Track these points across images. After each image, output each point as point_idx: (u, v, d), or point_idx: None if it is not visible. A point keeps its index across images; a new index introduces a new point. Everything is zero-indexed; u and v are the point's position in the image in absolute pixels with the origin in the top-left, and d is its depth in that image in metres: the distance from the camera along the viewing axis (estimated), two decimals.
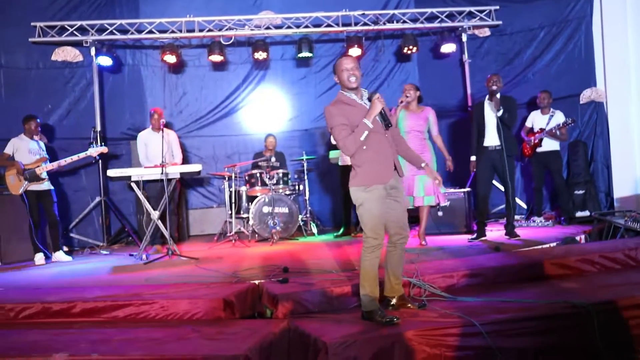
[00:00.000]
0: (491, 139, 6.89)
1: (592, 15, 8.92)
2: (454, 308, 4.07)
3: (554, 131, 8.00)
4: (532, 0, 9.44)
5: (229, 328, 4.01)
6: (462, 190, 7.90)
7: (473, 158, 7.13)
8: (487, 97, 6.91)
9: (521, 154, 8.52)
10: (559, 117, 8.13)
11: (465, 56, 9.74)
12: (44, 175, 7.55)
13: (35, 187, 7.47)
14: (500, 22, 9.58)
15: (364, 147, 3.95)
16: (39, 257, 7.44)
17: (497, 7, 9.55)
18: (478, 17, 9.64)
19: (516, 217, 8.54)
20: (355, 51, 9.54)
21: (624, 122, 8.58)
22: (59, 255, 7.61)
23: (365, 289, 3.95)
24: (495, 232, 7.23)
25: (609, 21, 8.71)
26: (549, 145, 8.16)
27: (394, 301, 4.20)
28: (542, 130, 8.13)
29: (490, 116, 6.87)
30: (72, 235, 9.15)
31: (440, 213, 7.77)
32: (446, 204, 7.67)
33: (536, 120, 8.35)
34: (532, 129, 8.40)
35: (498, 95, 6.81)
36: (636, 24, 8.51)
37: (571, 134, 8.72)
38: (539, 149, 8.20)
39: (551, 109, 8.22)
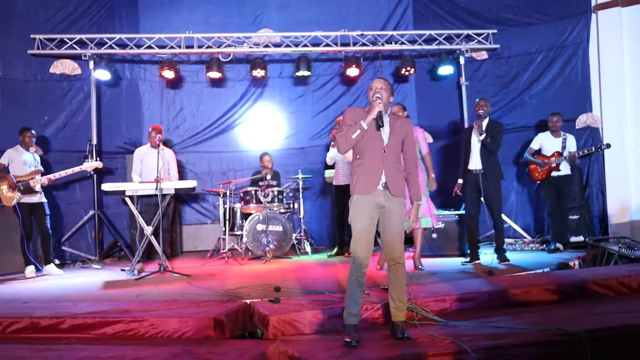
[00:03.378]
0: (475, 162, 6.98)
1: (588, 41, 8.99)
2: (446, 333, 4.04)
3: (585, 152, 8.01)
4: (530, 24, 9.52)
5: (219, 348, 3.97)
6: (456, 212, 7.90)
7: (460, 181, 7.19)
8: (475, 121, 6.98)
9: (529, 176, 8.37)
10: (571, 141, 8.03)
11: (463, 79, 9.77)
12: (38, 187, 7.53)
13: (28, 199, 7.45)
14: (497, 46, 9.65)
15: (358, 157, 4.13)
16: (30, 270, 7.40)
17: (495, 31, 9.62)
18: (476, 40, 9.70)
19: (509, 240, 8.57)
20: (353, 71, 9.60)
21: (619, 147, 8.60)
22: (50, 269, 7.57)
23: (345, 303, 4.10)
24: (489, 256, 7.21)
25: (605, 48, 8.79)
26: (564, 169, 7.96)
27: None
28: (559, 154, 7.94)
29: (476, 140, 6.95)
30: (64, 248, 9.07)
31: (434, 235, 7.79)
32: (440, 227, 7.72)
33: (547, 143, 8.12)
34: (539, 150, 8.22)
35: (486, 121, 6.95)
36: (632, 51, 8.60)
37: None
38: (554, 173, 7.97)
39: (562, 132, 8.08)
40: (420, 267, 6.69)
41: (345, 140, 4.07)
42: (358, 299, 4.07)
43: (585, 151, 8.02)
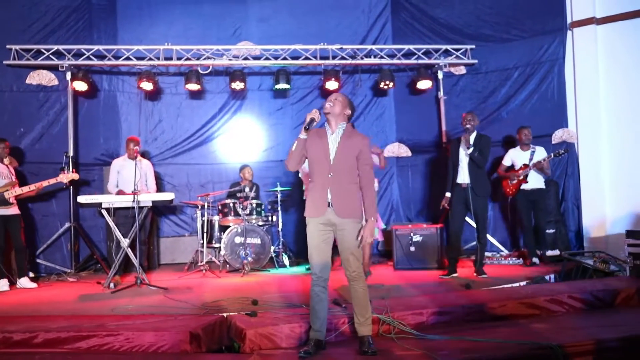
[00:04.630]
0: (463, 176, 6.98)
1: (564, 58, 9.10)
2: (423, 346, 4.05)
3: (546, 160, 7.87)
4: (507, 40, 9.62)
5: None
6: (435, 226, 7.92)
7: (447, 194, 7.18)
8: (463, 135, 6.99)
9: (502, 192, 8.32)
10: (540, 152, 8.00)
11: (441, 93, 9.85)
12: (12, 199, 7.41)
13: (2, 211, 7.31)
14: (475, 61, 9.75)
15: (311, 180, 4.18)
16: (3, 283, 7.25)
17: (473, 46, 9.73)
18: (454, 55, 9.79)
19: (487, 254, 8.58)
20: (332, 84, 9.61)
21: (594, 163, 8.71)
22: (24, 282, 7.44)
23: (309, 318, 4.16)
24: (466, 269, 7.24)
25: (581, 65, 8.90)
26: (536, 182, 7.96)
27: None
28: (526, 166, 7.91)
29: (463, 154, 6.95)
30: (39, 261, 8.91)
31: (412, 248, 7.79)
32: (419, 239, 7.73)
33: (517, 157, 8.12)
34: (511, 167, 8.19)
35: (474, 134, 6.96)
36: (607, 68, 8.72)
37: None
38: (524, 186, 7.94)
39: (531, 145, 8.09)
40: (367, 272, 6.71)
41: (289, 154, 4.17)
42: (319, 314, 4.09)
43: (546, 158, 7.96)
